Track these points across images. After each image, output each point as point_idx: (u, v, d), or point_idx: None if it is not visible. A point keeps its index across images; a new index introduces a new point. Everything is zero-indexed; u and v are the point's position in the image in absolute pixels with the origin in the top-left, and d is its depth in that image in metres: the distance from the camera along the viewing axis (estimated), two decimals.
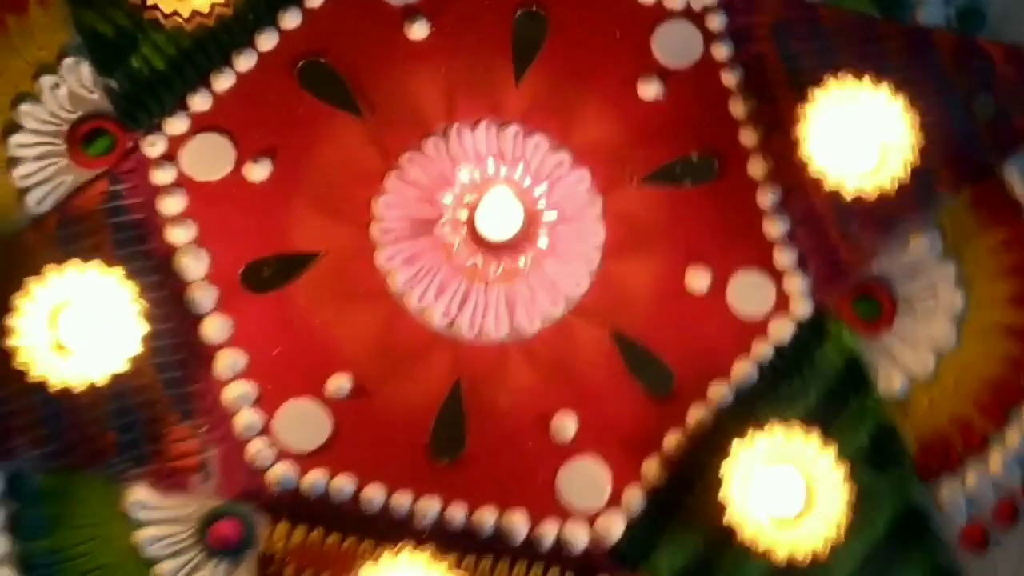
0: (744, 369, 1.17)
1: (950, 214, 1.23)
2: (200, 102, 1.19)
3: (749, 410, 1.15)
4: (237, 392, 1.13)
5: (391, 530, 1.11)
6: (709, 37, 1.24)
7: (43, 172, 1.18)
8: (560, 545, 1.13)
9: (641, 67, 1.23)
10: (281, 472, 1.12)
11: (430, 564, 1.06)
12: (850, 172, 1.16)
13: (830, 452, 1.10)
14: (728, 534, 1.09)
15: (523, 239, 1.16)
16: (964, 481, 1.17)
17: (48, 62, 1.20)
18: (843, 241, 1.21)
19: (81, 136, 1.18)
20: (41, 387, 1.07)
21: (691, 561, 1.14)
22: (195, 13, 1.16)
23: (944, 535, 1.16)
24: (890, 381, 1.18)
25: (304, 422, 1.14)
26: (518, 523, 1.13)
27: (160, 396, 1.13)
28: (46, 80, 1.19)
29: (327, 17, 1.23)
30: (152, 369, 1.12)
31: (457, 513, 1.13)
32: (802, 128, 1.17)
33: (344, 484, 1.12)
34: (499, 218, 1.14)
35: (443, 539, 1.10)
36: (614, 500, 1.14)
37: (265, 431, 1.13)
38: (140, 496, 1.12)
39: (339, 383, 1.14)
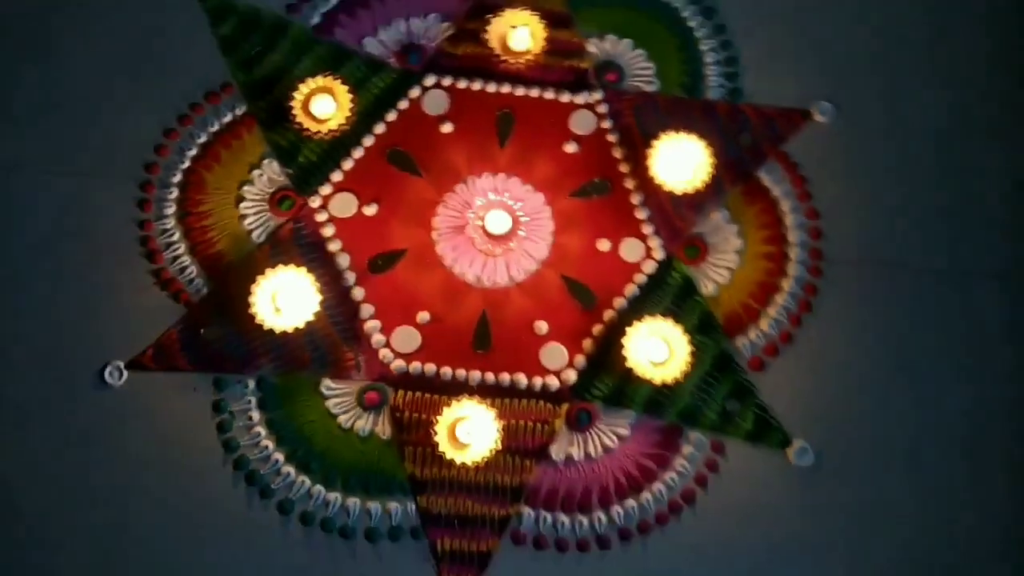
0: (632, 289, 1.22)
1: (732, 198, 1.26)
2: (336, 176, 1.24)
3: (636, 311, 1.20)
4: (371, 325, 1.20)
5: (456, 389, 1.17)
6: (600, 117, 1.28)
7: (258, 220, 1.24)
8: (544, 389, 1.19)
9: (565, 136, 1.27)
10: (397, 364, 1.19)
11: (478, 404, 1.14)
12: (678, 181, 1.22)
13: (679, 328, 1.17)
14: (630, 373, 1.16)
15: (511, 233, 1.22)
16: (748, 335, 1.22)
17: (254, 162, 1.25)
18: (677, 218, 1.25)
19: (276, 200, 1.24)
20: (270, 332, 1.15)
21: (612, 390, 1.19)
22: (330, 130, 1.22)
23: (740, 364, 1.21)
24: (707, 288, 1.23)
25: (407, 338, 1.20)
26: (521, 379, 1.19)
27: (331, 331, 1.19)
28: (255, 172, 1.25)
29: (399, 125, 1.27)
30: (326, 317, 1.18)
31: (489, 377, 1.19)
32: (652, 161, 1.22)
33: (430, 368, 1.19)
34: (498, 223, 1.21)
35: (483, 391, 1.18)
36: (569, 363, 1.20)
37: (387, 344, 1.20)
38: (327, 383, 1.19)
39: (423, 316, 1.21)
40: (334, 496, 1.16)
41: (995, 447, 1.20)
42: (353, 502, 1.16)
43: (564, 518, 1.17)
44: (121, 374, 1.17)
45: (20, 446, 1.16)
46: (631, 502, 1.18)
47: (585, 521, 1.17)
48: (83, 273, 1.20)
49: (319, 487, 1.16)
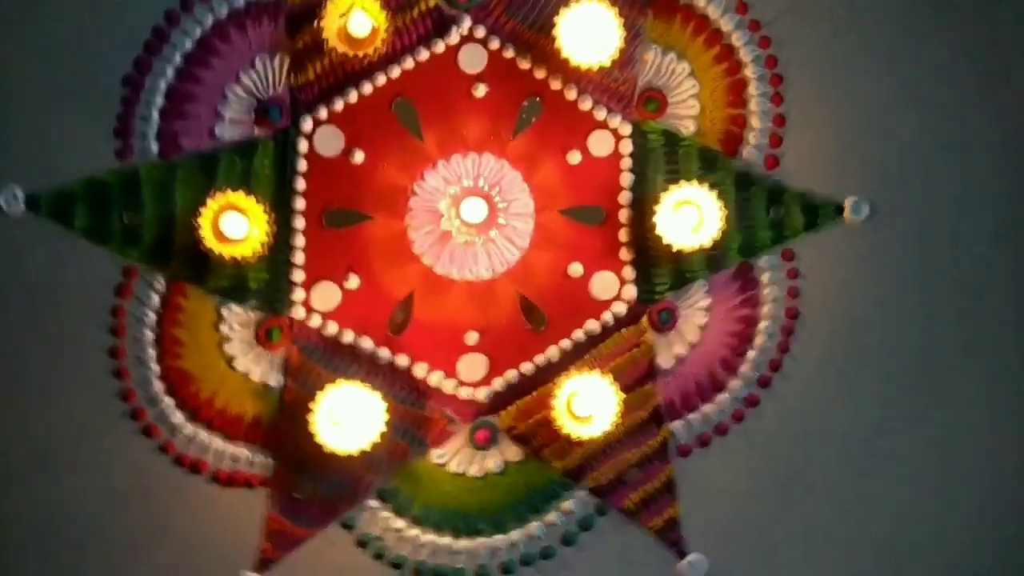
0: (626, 178, 1.14)
1: (651, 30, 1.15)
2: (297, 275, 1.11)
3: (643, 194, 1.13)
4: (435, 378, 1.12)
5: (546, 373, 1.12)
6: (483, 42, 1.13)
7: (262, 366, 1.11)
8: (616, 318, 1.14)
9: (467, 84, 1.13)
10: (481, 393, 1.13)
11: (577, 374, 1.09)
12: (601, 55, 1.09)
13: (693, 184, 1.10)
14: (674, 254, 1.11)
15: (492, 211, 1.12)
16: (748, 142, 1.16)
17: (214, 319, 1.11)
18: (619, 85, 1.14)
19: (264, 335, 1.11)
20: (355, 456, 1.06)
21: (672, 276, 1.14)
22: (262, 243, 1.07)
23: (758, 172, 1.16)
24: (688, 128, 1.16)
25: (472, 365, 1.13)
26: (592, 326, 1.14)
27: (404, 409, 1.11)
28: (223, 327, 1.11)
29: (314, 186, 1.11)
30: (391, 402, 1.07)
31: (565, 344, 1.13)
32: (564, 52, 1.09)
33: (511, 375, 1.13)
34: (475, 212, 1.10)
35: (569, 358, 1.13)
36: (621, 283, 1.14)
37: (460, 382, 1.13)
38: (438, 452, 1.13)
39: (472, 337, 1.13)
40: (514, 534, 1.14)
41: None
42: (534, 526, 1.14)
43: (709, 408, 1.17)
44: None
45: None
46: (751, 353, 1.17)
47: (726, 397, 1.17)
48: (159, 523, 1.11)
49: (497, 537, 1.14)
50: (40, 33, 1.11)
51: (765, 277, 1.17)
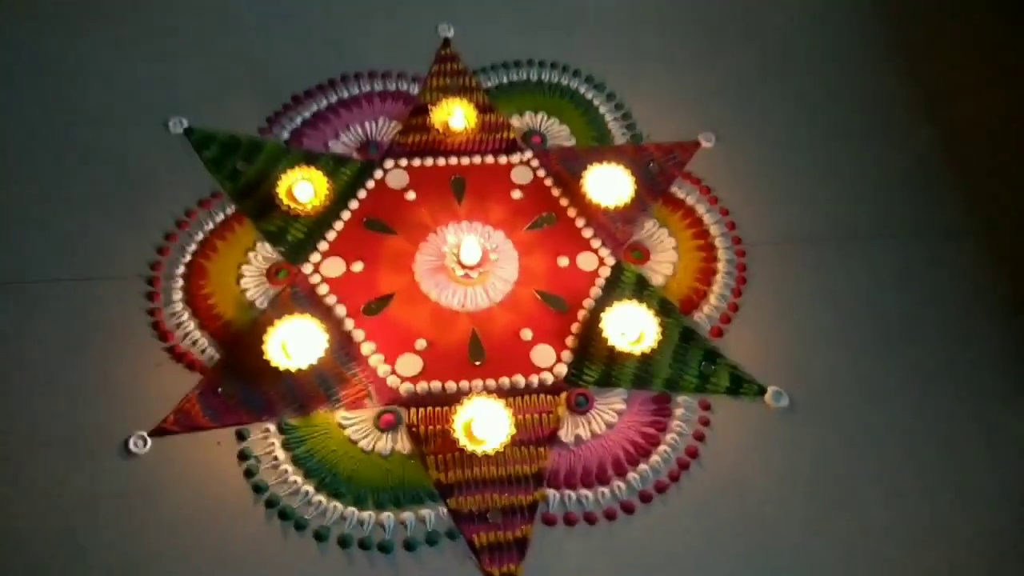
0: (596, 291, 1.34)
1: (656, 210, 1.42)
2: (323, 246, 1.34)
3: (601, 306, 1.30)
4: (375, 359, 1.26)
5: (462, 398, 1.21)
6: (534, 169, 1.45)
7: (258, 292, 1.30)
8: (541, 384, 1.26)
9: (509, 187, 1.43)
10: (405, 387, 1.24)
11: (486, 398, 1.20)
12: (610, 201, 1.37)
13: (644, 308, 1.28)
14: (613, 355, 1.25)
15: (483, 260, 1.33)
16: (703, 311, 1.34)
17: (249, 246, 1.34)
18: (618, 230, 1.39)
19: (273, 272, 1.32)
20: (285, 379, 1.19)
21: (601, 373, 1.27)
22: (313, 207, 1.34)
23: (702, 334, 1.32)
24: (656, 280, 1.36)
25: (410, 363, 1.26)
26: (519, 379, 1.26)
27: (340, 369, 1.24)
28: (251, 254, 1.33)
29: (370, 200, 1.39)
30: (332, 357, 1.23)
31: (490, 383, 1.25)
32: (585, 187, 1.38)
33: (435, 384, 1.24)
34: (471, 253, 1.32)
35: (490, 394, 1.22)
36: (558, 359, 1.28)
37: (393, 371, 1.25)
38: (343, 415, 1.22)
39: (421, 343, 1.28)
40: (368, 515, 1.16)
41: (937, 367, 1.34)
42: (387, 517, 1.16)
43: (587, 493, 1.20)
44: (145, 442, 1.17)
45: (54, 523, 1.12)
46: (643, 467, 1.22)
47: (606, 492, 1.20)
48: (101, 360, 1.24)
49: (352, 509, 1.16)
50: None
51: (679, 412, 1.26)
